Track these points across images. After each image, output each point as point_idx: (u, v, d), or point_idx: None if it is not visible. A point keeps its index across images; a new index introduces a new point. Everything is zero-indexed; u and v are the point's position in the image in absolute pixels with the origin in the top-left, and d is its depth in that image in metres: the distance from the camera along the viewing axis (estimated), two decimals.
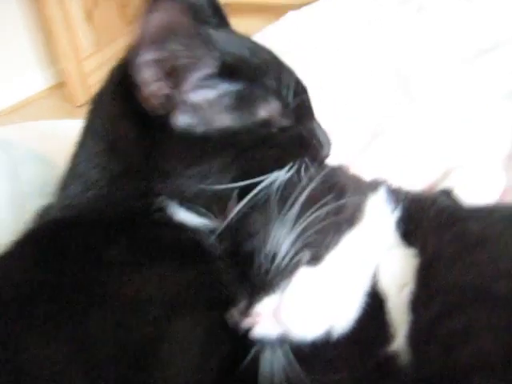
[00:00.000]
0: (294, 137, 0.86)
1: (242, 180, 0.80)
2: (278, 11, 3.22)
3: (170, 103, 0.77)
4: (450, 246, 0.72)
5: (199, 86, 0.79)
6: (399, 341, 0.68)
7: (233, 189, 0.81)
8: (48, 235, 0.80)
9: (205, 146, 0.79)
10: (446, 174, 1.06)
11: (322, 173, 0.81)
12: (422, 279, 0.70)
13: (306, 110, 0.91)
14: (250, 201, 0.80)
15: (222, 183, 0.79)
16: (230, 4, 3.58)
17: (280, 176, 0.81)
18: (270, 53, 0.90)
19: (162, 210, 0.81)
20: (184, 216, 0.82)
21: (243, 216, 0.79)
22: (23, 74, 4.52)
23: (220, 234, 0.80)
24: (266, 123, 0.83)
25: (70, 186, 0.86)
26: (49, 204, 0.91)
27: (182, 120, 0.78)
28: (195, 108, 0.79)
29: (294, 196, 0.76)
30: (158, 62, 0.75)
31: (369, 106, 1.56)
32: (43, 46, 4.56)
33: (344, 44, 2.14)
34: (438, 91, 1.59)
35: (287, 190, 0.79)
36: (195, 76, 0.78)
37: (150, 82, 0.76)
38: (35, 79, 4.66)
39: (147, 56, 0.74)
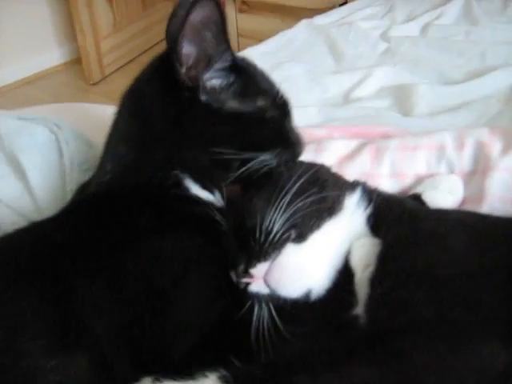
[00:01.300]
0: (279, 126, 1.10)
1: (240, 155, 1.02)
2: (294, 12, 3.39)
3: (197, 84, 1.00)
4: (406, 238, 0.92)
5: (216, 76, 1.03)
6: (360, 307, 0.89)
7: (232, 164, 1.01)
8: (89, 205, 1.02)
9: (219, 118, 1.03)
10: (417, 182, 1.26)
11: (311, 170, 1.02)
12: (380, 263, 0.90)
13: (287, 112, 1.15)
14: (245, 180, 1.03)
15: (226, 152, 1.00)
16: (250, 2, 3.75)
17: (267, 158, 1.04)
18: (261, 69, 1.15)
19: (179, 185, 1.01)
20: (197, 191, 1.03)
21: (246, 199, 0.99)
22: (41, 47, 4.63)
23: (226, 211, 1.01)
24: (262, 110, 1.06)
25: (106, 163, 1.07)
26: (87, 181, 1.11)
27: (203, 97, 1.01)
28: (211, 91, 1.02)
29: (287, 187, 0.96)
30: (192, 53, 0.99)
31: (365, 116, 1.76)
32: (64, 21, 4.67)
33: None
34: (426, 108, 1.79)
35: (281, 181, 0.99)
36: (215, 66, 1.02)
37: (185, 67, 0.99)
38: (52, 53, 4.77)
39: (185, 47, 0.98)
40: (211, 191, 1.04)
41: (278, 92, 1.11)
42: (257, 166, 1.02)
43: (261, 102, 1.06)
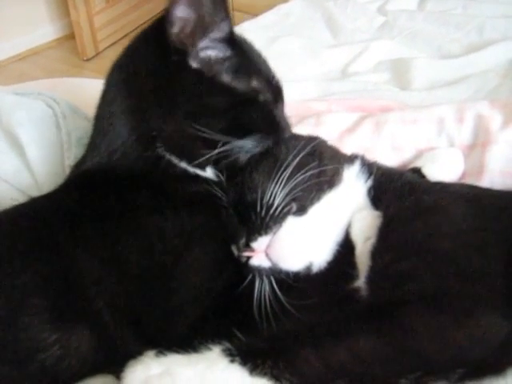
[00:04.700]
0: (271, 111, 1.06)
1: (225, 135, 0.98)
2: None
3: (186, 48, 0.97)
4: (407, 211, 0.93)
5: (210, 46, 0.99)
6: (361, 279, 0.89)
7: (214, 142, 0.97)
8: (89, 181, 1.00)
9: (211, 87, 0.99)
10: (417, 155, 1.26)
11: (310, 144, 1.02)
12: (381, 235, 0.90)
13: (280, 98, 1.11)
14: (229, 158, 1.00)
15: (212, 129, 0.96)
16: None
17: (246, 144, 1.00)
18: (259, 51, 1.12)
19: (171, 165, 0.99)
20: (192, 168, 1.00)
21: (247, 175, 0.99)
22: (34, 23, 4.56)
23: (227, 186, 1.00)
24: (255, 91, 1.03)
25: (99, 144, 1.03)
26: (82, 157, 1.09)
27: (194, 63, 0.98)
28: (206, 60, 0.99)
29: (287, 161, 0.96)
30: (187, 17, 0.95)
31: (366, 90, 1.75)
32: None
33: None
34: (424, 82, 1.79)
35: (280, 155, 0.99)
36: (210, 36, 0.98)
37: (177, 29, 0.96)
38: (45, 29, 4.69)
39: (181, 9, 0.94)
40: (201, 168, 1.02)
41: (273, 76, 1.09)
42: (235, 151, 1.00)
43: (255, 83, 1.03)
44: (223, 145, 0.98)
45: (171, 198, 0.97)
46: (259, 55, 1.10)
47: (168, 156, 0.99)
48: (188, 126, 0.97)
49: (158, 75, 0.99)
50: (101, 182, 0.98)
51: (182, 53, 0.97)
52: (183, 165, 1.00)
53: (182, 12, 0.95)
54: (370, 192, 1.00)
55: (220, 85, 0.99)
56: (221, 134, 0.97)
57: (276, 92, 1.09)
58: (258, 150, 1.02)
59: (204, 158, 0.99)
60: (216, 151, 0.98)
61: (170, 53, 0.97)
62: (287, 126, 1.11)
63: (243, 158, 1.01)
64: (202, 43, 0.98)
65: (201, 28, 0.97)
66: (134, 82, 1.01)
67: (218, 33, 0.98)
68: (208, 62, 0.99)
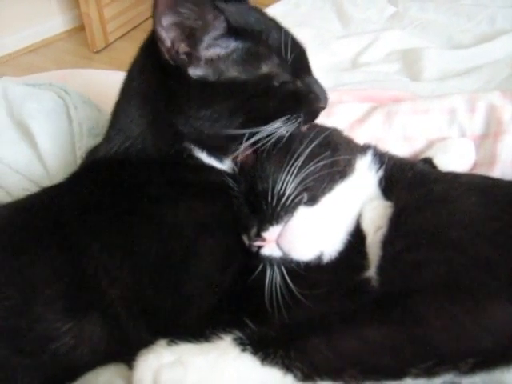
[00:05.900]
0: (292, 91, 1.00)
1: (248, 127, 0.96)
2: None
3: (189, 59, 0.94)
4: (418, 201, 0.92)
5: (212, 45, 0.95)
6: (372, 269, 0.89)
7: (241, 135, 0.96)
8: (101, 171, 1.01)
9: (217, 92, 0.96)
10: (429, 145, 1.26)
11: (323, 134, 1.02)
12: (392, 225, 0.90)
13: (303, 65, 1.05)
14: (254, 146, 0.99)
15: (231, 127, 0.96)
16: None
17: (279, 128, 0.97)
18: (272, 19, 1.06)
19: (191, 156, 1.00)
20: (209, 160, 1.02)
21: (258, 164, 0.99)
22: (44, 15, 4.55)
23: (239, 177, 1.01)
24: (268, 77, 0.97)
25: (114, 137, 1.03)
26: (94, 147, 1.10)
27: (197, 72, 0.95)
28: (208, 62, 0.95)
29: (299, 151, 0.96)
30: (176, 26, 0.91)
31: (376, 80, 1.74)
32: None
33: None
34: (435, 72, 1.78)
35: (292, 145, 0.98)
36: (208, 37, 0.94)
37: (170, 42, 0.93)
38: (55, 21, 4.68)
39: (165, 21, 0.90)
40: (220, 160, 1.03)
41: (288, 47, 0.99)
42: (267, 137, 0.97)
43: (266, 68, 0.97)
44: (250, 136, 0.96)
45: (185, 187, 0.97)
46: (266, 24, 1.02)
47: (193, 148, 1.00)
48: (208, 128, 0.97)
49: (165, 92, 0.98)
50: (113, 172, 0.99)
51: (179, 68, 0.94)
52: (202, 156, 1.01)
53: (167, 26, 0.91)
54: (381, 182, 1.00)
55: (228, 84, 0.96)
56: (244, 127, 0.96)
57: (296, 63, 1.01)
58: (292, 127, 0.99)
59: (236, 153, 1.01)
60: (244, 145, 0.98)
61: (169, 71, 0.95)
62: (319, 93, 1.04)
63: (280, 138, 0.98)
64: (203, 45, 0.94)
65: (193, 35, 0.93)
66: (145, 97, 1.01)
67: (215, 31, 0.94)
68: (212, 62, 0.95)
